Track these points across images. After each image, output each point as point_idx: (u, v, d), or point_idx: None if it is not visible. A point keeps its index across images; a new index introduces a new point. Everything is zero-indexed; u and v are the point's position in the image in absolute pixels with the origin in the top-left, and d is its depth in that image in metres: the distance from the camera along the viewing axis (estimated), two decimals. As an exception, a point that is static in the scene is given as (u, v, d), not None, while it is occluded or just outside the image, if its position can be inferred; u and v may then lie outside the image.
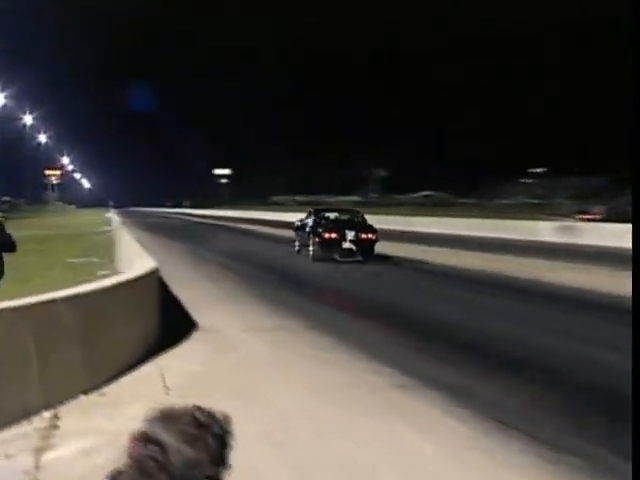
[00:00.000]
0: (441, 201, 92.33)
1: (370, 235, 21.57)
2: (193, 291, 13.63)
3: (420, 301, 12.86)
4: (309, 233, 22.41)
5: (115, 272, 15.37)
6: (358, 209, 26.73)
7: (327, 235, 21.43)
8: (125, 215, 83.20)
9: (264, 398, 6.39)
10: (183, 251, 25.18)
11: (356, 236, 21.34)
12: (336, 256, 21.26)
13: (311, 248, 22.01)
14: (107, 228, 42.15)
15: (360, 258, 21.20)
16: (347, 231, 21.47)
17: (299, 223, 24.24)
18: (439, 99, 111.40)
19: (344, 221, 22.51)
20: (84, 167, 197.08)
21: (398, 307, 12.16)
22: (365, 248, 21.40)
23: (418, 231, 39.52)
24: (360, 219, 22.85)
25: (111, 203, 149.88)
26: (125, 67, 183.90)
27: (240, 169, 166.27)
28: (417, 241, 30.27)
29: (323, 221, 22.46)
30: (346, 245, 21.33)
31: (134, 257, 11.07)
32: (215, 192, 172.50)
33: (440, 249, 25.71)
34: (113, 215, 66.16)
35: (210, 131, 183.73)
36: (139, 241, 17.43)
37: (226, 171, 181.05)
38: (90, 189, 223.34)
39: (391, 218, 47.17)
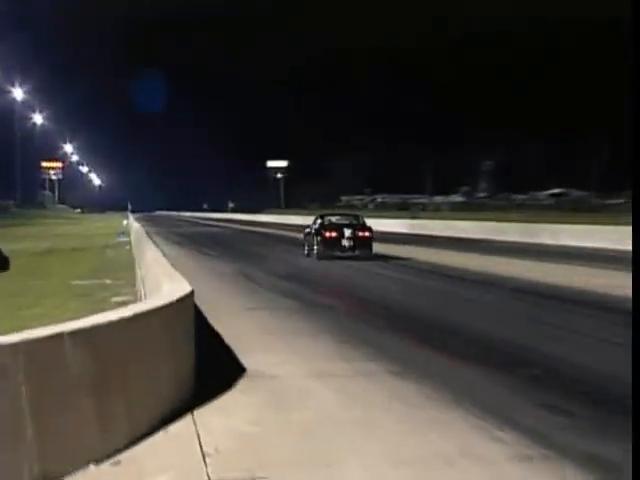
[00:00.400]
0: (579, 201, 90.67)
1: (366, 233, 30.91)
2: (238, 322, 13.70)
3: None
4: (314, 235, 31.63)
5: (136, 299, 15.61)
6: (358, 213, 36.93)
7: (328, 234, 30.67)
8: (149, 222, 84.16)
9: (340, 474, 6.33)
10: (221, 267, 25.42)
11: (353, 234, 30.61)
12: (337, 252, 30.34)
13: (315, 247, 31.22)
14: (124, 239, 42.95)
15: (357, 253, 30.36)
16: (345, 229, 30.77)
17: (309, 229, 33.03)
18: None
19: (343, 222, 31.91)
20: (93, 158, 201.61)
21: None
22: (362, 245, 30.68)
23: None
24: (360, 221, 32.12)
25: (130, 206, 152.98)
26: (139, 57, 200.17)
27: (299, 162, 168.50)
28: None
29: (326, 223, 31.71)
30: (344, 242, 30.50)
31: (162, 278, 11.14)
32: (267, 192, 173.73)
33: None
34: (133, 222, 67.19)
35: (257, 115, 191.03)
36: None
37: (282, 163, 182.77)
38: (100, 186, 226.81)
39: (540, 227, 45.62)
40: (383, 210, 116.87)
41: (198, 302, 11.28)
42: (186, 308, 9.18)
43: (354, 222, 31.87)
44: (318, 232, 31.09)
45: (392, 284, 22.28)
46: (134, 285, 18.99)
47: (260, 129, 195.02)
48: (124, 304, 12.22)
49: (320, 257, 30.48)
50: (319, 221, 31.96)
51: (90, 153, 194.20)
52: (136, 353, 7.30)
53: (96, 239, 47.04)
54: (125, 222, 76.43)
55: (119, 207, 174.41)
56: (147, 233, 37.29)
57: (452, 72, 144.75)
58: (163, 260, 15.00)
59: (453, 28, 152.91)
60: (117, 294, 17.80)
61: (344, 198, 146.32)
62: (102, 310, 8.00)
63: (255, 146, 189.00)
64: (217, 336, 12.20)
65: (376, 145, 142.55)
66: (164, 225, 79.02)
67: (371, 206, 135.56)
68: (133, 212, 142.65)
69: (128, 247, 35.19)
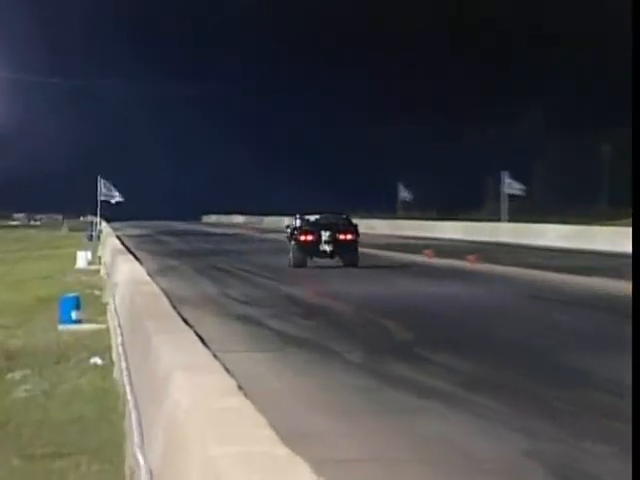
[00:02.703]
0: None
1: (349, 236, 26.29)
2: None
3: None
4: (289, 238, 27.26)
5: None
6: (343, 212, 31.17)
7: (303, 237, 26.33)
8: (195, 269, 31.23)
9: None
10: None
11: (332, 236, 25.95)
12: (315, 259, 26.09)
13: (290, 253, 26.52)
14: (82, 326, 16.06)
15: (338, 261, 25.86)
16: (322, 232, 26.15)
17: (289, 231, 28.14)
18: None
19: (322, 223, 27.24)
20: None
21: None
22: (345, 250, 26.08)
23: None
24: (344, 221, 27.84)
25: (105, 195, 45.30)
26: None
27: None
28: None
29: (303, 224, 27.29)
30: (322, 247, 26.08)
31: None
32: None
33: None
34: (117, 259, 20.16)
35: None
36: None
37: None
38: None
39: None
40: None
41: None
42: None
43: (337, 222, 27.69)
44: (293, 235, 27.08)
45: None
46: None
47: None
48: None
49: (295, 265, 25.99)
50: (298, 222, 27.77)
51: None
52: None
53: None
54: (85, 255, 32.02)
55: (66, 207, 79.86)
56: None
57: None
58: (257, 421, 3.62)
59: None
60: None
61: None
62: None
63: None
64: None
65: None
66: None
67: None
68: (116, 221, 65.30)
69: (98, 360, 12.41)
